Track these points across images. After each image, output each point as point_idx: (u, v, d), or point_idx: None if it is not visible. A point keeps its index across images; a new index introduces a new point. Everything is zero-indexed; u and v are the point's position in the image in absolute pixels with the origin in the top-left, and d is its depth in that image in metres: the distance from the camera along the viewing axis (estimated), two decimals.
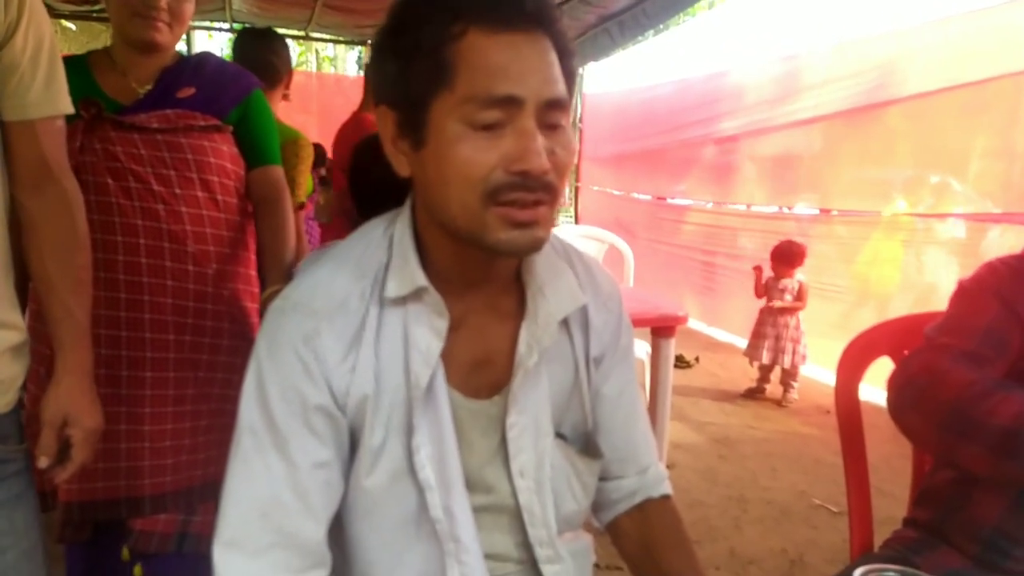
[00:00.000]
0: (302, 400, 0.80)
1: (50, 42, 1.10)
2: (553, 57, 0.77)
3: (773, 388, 4.50)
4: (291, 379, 0.80)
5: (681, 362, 5.02)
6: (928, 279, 4.33)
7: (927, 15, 4.18)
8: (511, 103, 0.74)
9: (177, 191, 1.51)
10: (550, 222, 0.79)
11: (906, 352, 1.36)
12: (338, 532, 0.88)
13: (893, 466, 2.76)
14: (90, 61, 1.54)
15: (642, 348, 3.55)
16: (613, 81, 7.25)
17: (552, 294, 0.89)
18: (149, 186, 1.48)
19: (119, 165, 1.46)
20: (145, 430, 1.51)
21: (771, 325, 4.40)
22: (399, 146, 0.81)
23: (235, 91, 1.62)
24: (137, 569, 1.59)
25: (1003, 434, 0.94)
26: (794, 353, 4.33)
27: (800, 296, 4.37)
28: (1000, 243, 3.78)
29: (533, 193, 0.75)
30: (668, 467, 3.17)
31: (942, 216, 4.33)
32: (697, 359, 5.25)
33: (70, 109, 1.15)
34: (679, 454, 3.50)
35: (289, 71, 2.57)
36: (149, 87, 1.54)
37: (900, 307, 4.31)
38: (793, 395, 4.38)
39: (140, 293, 1.49)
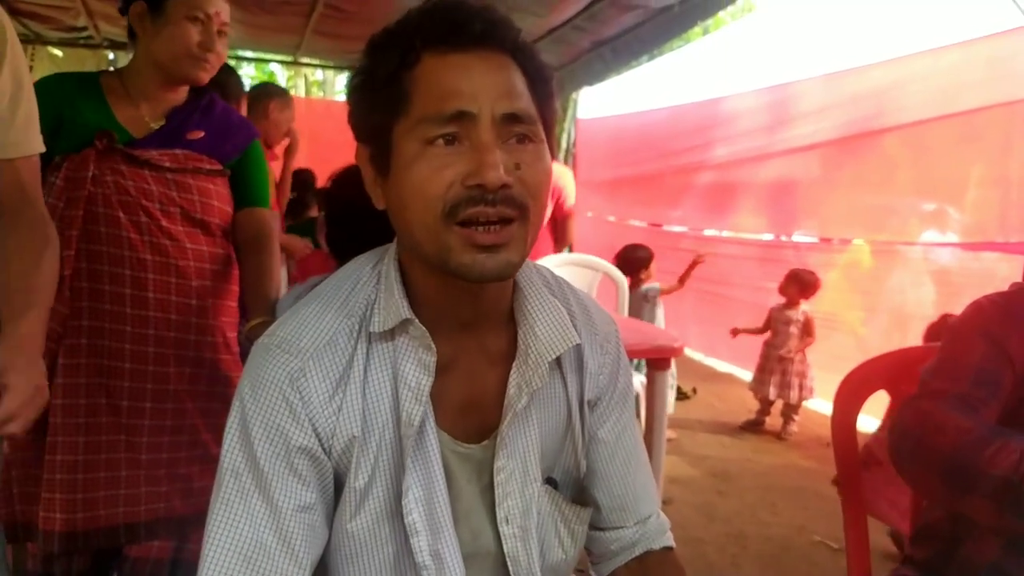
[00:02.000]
0: (286, 441, 0.78)
1: (28, 82, 1.14)
2: (512, 74, 0.77)
3: (772, 420, 4.41)
4: (275, 420, 0.78)
5: (679, 393, 4.92)
6: (927, 311, 4.27)
7: (921, 44, 4.18)
8: (463, 118, 0.73)
9: (181, 228, 1.58)
10: (522, 244, 0.76)
11: (902, 387, 1.36)
12: None
13: None
14: (103, 85, 1.57)
15: (637, 379, 3.48)
16: (607, 106, 7.25)
17: (544, 333, 0.85)
18: (158, 222, 1.55)
19: (130, 199, 1.52)
20: (143, 458, 1.56)
21: (777, 360, 4.31)
22: (376, 181, 0.82)
23: (239, 141, 1.70)
24: None
25: (1004, 484, 0.93)
26: (801, 388, 4.24)
27: (808, 330, 4.27)
28: (997, 270, 3.73)
29: (494, 207, 0.73)
30: (664, 502, 3.07)
31: (940, 245, 4.28)
32: (695, 390, 5.16)
33: (42, 148, 1.23)
34: (676, 489, 3.41)
35: (242, 94, 2.84)
36: (161, 123, 1.59)
37: (900, 336, 4.23)
38: (793, 428, 4.29)
39: (146, 327, 1.55)
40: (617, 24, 4.60)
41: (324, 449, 0.80)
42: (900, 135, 4.39)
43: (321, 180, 4.84)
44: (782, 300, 4.42)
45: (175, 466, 1.59)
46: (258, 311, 1.62)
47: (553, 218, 4.18)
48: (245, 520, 0.77)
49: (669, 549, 1.01)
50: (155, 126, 1.57)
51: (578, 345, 0.89)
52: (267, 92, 3.32)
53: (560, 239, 4.21)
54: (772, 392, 4.29)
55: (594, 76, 5.46)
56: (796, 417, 4.29)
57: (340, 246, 1.50)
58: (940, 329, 3.04)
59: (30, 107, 1.16)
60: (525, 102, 0.76)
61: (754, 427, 4.40)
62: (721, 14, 6.96)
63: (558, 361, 0.90)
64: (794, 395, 4.23)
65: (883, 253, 4.67)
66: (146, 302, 1.54)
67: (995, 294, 1.16)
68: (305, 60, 6.91)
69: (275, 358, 0.79)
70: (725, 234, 6.21)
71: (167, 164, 1.55)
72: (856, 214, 4.87)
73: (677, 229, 6.98)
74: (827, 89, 4.91)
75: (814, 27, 5.13)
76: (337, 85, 12.81)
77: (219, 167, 1.64)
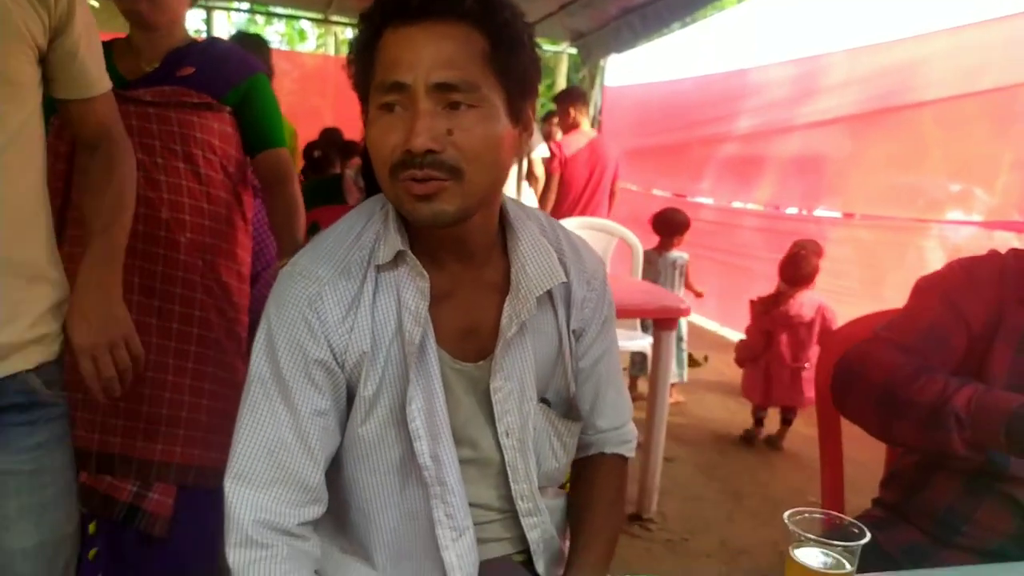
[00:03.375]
0: (305, 355, 0.90)
1: (93, 23, 1.21)
2: (453, 43, 0.84)
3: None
4: (296, 336, 0.90)
5: (690, 360, 5.00)
6: None
7: (946, 21, 4.14)
8: (400, 88, 0.83)
9: (158, 160, 1.57)
10: (455, 201, 0.85)
11: None
12: (336, 476, 0.98)
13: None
14: (113, 46, 1.61)
15: (646, 342, 3.57)
16: (637, 74, 7.21)
17: (533, 270, 0.96)
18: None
19: None
20: None
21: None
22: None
23: (234, 73, 1.67)
24: (92, 526, 1.62)
25: (930, 410, 1.01)
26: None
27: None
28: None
29: (422, 170, 0.83)
30: (667, 460, 3.19)
31: (964, 223, 4.28)
32: (706, 358, 5.22)
33: (108, 86, 1.28)
34: (679, 448, 3.51)
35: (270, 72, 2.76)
36: (156, 65, 1.60)
37: None
38: None
39: None
40: None
41: (338, 363, 0.92)
42: (924, 111, 4.37)
43: (350, 136, 4.93)
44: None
45: (135, 402, 1.56)
46: (286, 251, 1.68)
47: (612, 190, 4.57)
48: (269, 420, 0.90)
49: (618, 456, 1.15)
50: (149, 69, 1.60)
51: (566, 282, 1.01)
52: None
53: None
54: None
55: (623, 43, 5.46)
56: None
57: (376, 189, 1.58)
58: None
59: (99, 47, 1.24)
60: (463, 70, 0.83)
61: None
62: None
63: (550, 295, 1.01)
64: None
65: (901, 229, 4.68)
66: None
67: (967, 258, 1.21)
68: (335, 18, 6.96)
69: (296, 283, 0.92)
70: (749, 206, 6.22)
71: (148, 99, 1.56)
72: (878, 190, 4.86)
73: (701, 200, 6.99)
74: (853, 63, 4.87)
75: (843, 1, 5.08)
76: None
77: (208, 100, 1.61)
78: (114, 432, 1.58)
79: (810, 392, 3.38)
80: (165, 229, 1.59)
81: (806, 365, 3.49)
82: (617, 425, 1.14)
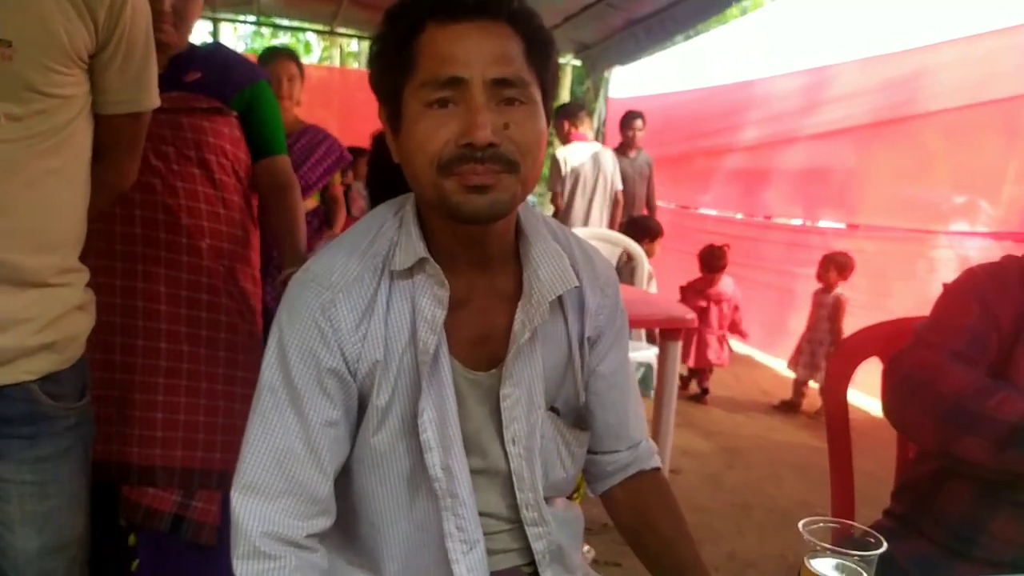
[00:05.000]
0: (317, 363, 0.89)
1: (144, 43, 1.20)
2: (505, 41, 0.85)
3: (812, 401, 4.42)
4: (308, 343, 0.89)
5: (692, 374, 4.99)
6: None
7: (954, 31, 4.15)
8: (457, 83, 0.82)
9: (174, 167, 1.57)
10: (512, 191, 0.86)
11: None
12: (347, 486, 0.96)
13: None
14: None
15: (651, 352, 3.55)
16: (640, 86, 7.23)
17: (546, 275, 0.95)
18: (147, 161, 1.52)
19: None
20: (136, 398, 1.55)
21: (807, 340, 4.38)
22: (391, 136, 0.92)
23: (239, 77, 1.68)
24: (131, 538, 1.62)
25: (1010, 428, 1.01)
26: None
27: (835, 313, 4.29)
28: None
29: (483, 164, 0.82)
30: (673, 472, 3.17)
31: (971, 235, 4.27)
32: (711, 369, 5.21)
33: (153, 104, 1.27)
34: (686, 460, 3.49)
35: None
36: (161, 72, 1.58)
37: None
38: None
39: (134, 263, 1.54)
40: (652, 3, 4.64)
41: (350, 371, 0.91)
42: (932, 122, 4.37)
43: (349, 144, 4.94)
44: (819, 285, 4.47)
45: (173, 411, 1.57)
46: (290, 261, 1.66)
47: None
48: (279, 429, 0.89)
49: (657, 469, 1.13)
50: None
51: (579, 288, 1.00)
52: None
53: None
54: (803, 373, 4.34)
55: (627, 55, 5.49)
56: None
57: (382, 198, 1.56)
58: None
59: (143, 64, 1.21)
60: (516, 67, 0.84)
61: (788, 408, 4.43)
62: None
63: (560, 302, 1.00)
64: (822, 377, 4.21)
65: (906, 240, 4.67)
66: (133, 238, 1.53)
67: (987, 263, 1.22)
68: (341, 30, 6.99)
69: (309, 290, 0.90)
70: (754, 219, 6.21)
71: (159, 105, 1.56)
72: (884, 201, 4.85)
73: (705, 212, 6.98)
74: (860, 74, 4.88)
75: (848, 12, 5.09)
76: None
77: (218, 104, 1.62)
78: (153, 444, 1.57)
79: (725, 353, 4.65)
80: (187, 235, 1.58)
81: (727, 332, 4.65)
82: (644, 436, 1.13)
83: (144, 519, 1.59)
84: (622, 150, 5.27)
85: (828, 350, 4.26)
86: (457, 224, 0.88)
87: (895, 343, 1.43)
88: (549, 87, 0.90)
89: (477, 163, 0.82)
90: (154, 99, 1.26)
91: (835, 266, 4.37)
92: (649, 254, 4.36)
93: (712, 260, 4.69)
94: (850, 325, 4.70)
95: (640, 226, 4.51)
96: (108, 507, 1.64)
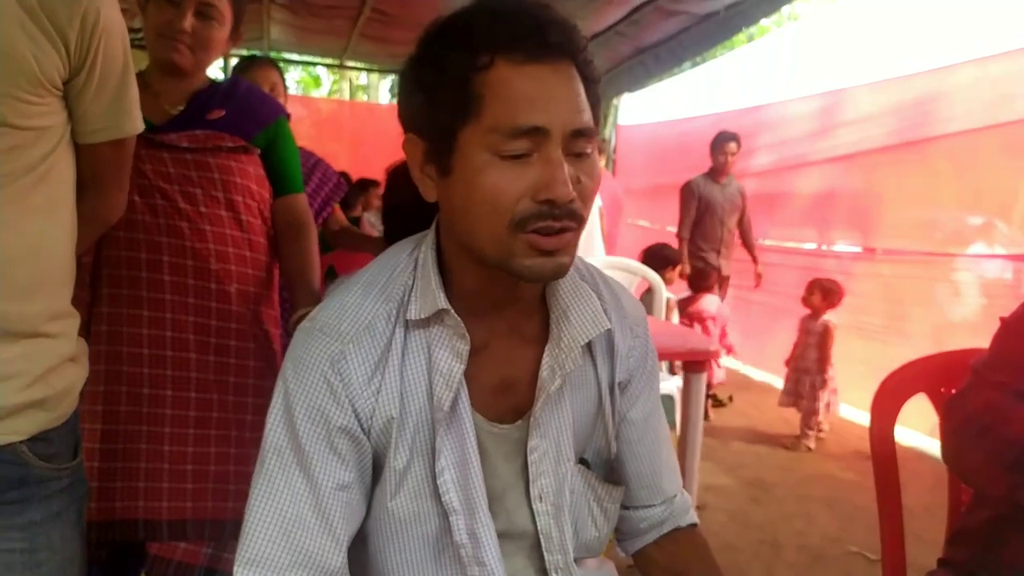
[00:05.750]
0: (327, 421, 0.81)
1: (122, 66, 1.11)
2: (579, 86, 0.78)
3: (794, 429, 4.28)
4: (317, 400, 0.81)
5: (714, 400, 4.90)
6: (973, 320, 4.18)
7: (966, 54, 4.10)
8: (537, 133, 0.75)
9: (202, 209, 1.52)
10: (574, 248, 0.80)
11: (943, 389, 1.36)
12: (363, 554, 0.89)
13: (936, 515, 2.61)
14: None
15: (673, 383, 3.47)
16: (649, 113, 7.23)
17: (576, 318, 0.88)
18: (175, 204, 1.49)
19: (146, 182, 1.48)
20: (165, 450, 1.49)
21: (793, 368, 4.25)
22: (427, 171, 0.83)
23: (262, 115, 1.64)
24: None
25: None
26: (814, 400, 4.08)
27: (824, 342, 4.11)
28: None
29: (559, 221, 0.76)
30: (698, 508, 3.04)
31: (987, 257, 4.19)
32: (731, 398, 5.11)
33: (136, 129, 1.19)
34: (710, 495, 3.38)
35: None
36: (181, 108, 1.55)
37: (942, 348, 4.12)
38: (808, 443, 4.12)
39: (162, 311, 1.49)
40: (660, 30, 4.62)
41: (363, 429, 0.83)
42: (946, 144, 4.31)
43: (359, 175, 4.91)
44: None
45: (203, 462, 1.52)
46: (303, 301, 1.59)
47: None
48: (286, 496, 0.81)
49: (694, 526, 1.04)
50: (174, 112, 1.54)
51: (608, 329, 0.91)
52: None
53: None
54: (784, 400, 4.21)
55: (635, 82, 5.49)
56: (811, 432, 4.12)
57: (398, 237, 1.47)
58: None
59: (121, 88, 1.12)
60: (588, 115, 0.78)
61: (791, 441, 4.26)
62: (764, 22, 6.91)
63: (589, 345, 0.92)
64: (805, 405, 4.08)
65: (924, 264, 4.59)
66: (162, 285, 1.49)
67: None
68: (350, 63, 7.03)
69: (317, 341, 0.83)
70: (767, 243, 6.14)
71: (185, 144, 1.50)
72: (899, 224, 4.79)
73: None
74: (871, 98, 4.84)
75: (858, 36, 5.07)
76: (381, 89, 13.00)
77: (243, 143, 1.58)
78: (183, 497, 1.50)
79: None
80: (216, 281, 1.53)
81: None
82: (679, 489, 1.04)
83: (175, 575, 1.52)
84: (712, 176, 4.97)
85: (815, 379, 4.10)
86: (500, 274, 0.81)
87: (943, 377, 1.39)
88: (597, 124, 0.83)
89: (554, 220, 0.76)
90: (137, 124, 1.18)
91: (820, 290, 4.21)
92: (668, 282, 4.32)
93: (697, 280, 4.76)
94: (868, 350, 4.62)
95: (660, 255, 4.41)
96: (125, 566, 1.59)
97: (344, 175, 4.98)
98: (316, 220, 2.49)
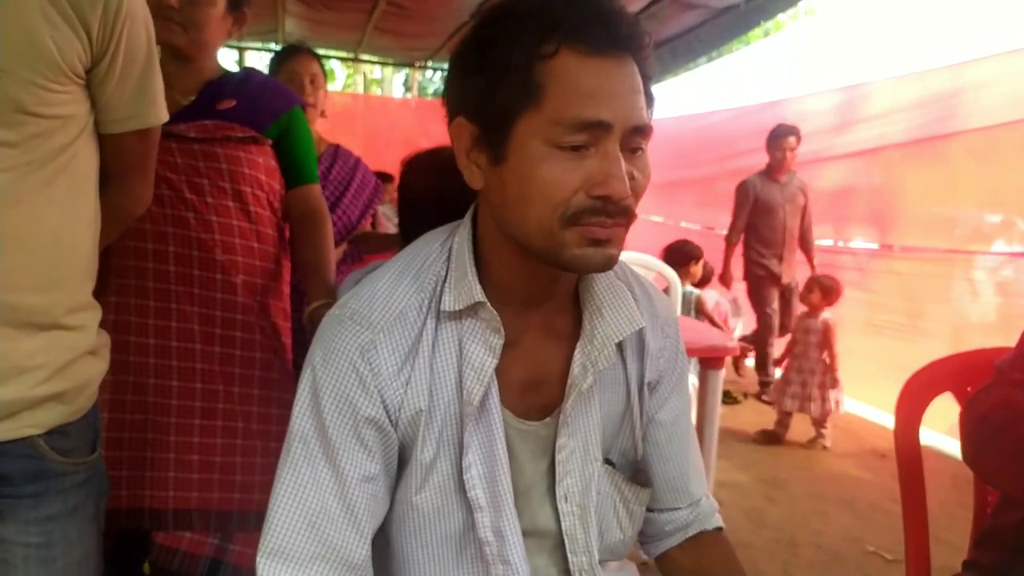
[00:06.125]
0: (354, 412, 0.80)
1: (146, 54, 1.09)
2: (639, 82, 0.77)
3: (798, 433, 4.17)
4: (345, 390, 0.80)
5: (728, 398, 4.86)
6: (991, 319, 4.13)
7: (987, 49, 4.05)
8: (599, 128, 0.73)
9: (209, 200, 1.51)
10: (623, 242, 0.79)
11: (969, 388, 1.33)
12: (386, 549, 0.88)
13: (954, 514, 2.58)
14: None
15: (691, 380, 3.45)
16: (664, 108, 7.19)
17: (611, 315, 0.86)
18: (181, 194, 1.49)
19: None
20: (171, 440, 1.50)
21: (795, 370, 4.08)
22: (474, 158, 0.81)
23: (275, 106, 1.62)
24: None
25: None
26: (823, 400, 3.97)
27: (826, 340, 3.98)
28: None
29: (612, 218, 0.75)
30: None
31: (1008, 255, 4.14)
32: (745, 395, 5.08)
33: (160, 119, 1.16)
34: (724, 493, 3.36)
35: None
36: (192, 98, 1.54)
37: (960, 347, 4.08)
38: (824, 442, 4.05)
39: (168, 301, 1.49)
40: (677, 24, 4.59)
41: (391, 421, 0.82)
42: (966, 141, 4.26)
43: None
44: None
45: (209, 453, 1.52)
46: (317, 293, 1.58)
47: None
48: (311, 485, 0.80)
49: (719, 529, 1.03)
50: (185, 102, 1.53)
51: (640, 328, 0.90)
52: None
53: None
54: (789, 404, 4.05)
55: (652, 77, 5.44)
56: (825, 431, 4.06)
57: (413, 230, 1.46)
58: None
59: (146, 76, 1.10)
60: (647, 112, 0.77)
61: (769, 438, 4.15)
62: (781, 17, 6.86)
63: (619, 344, 0.90)
64: (815, 408, 3.98)
65: (941, 261, 4.54)
66: (167, 275, 1.49)
67: None
68: (365, 57, 7.03)
69: (347, 329, 0.81)
70: None
71: (193, 135, 1.49)
72: (917, 221, 4.74)
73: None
74: (890, 93, 4.79)
75: (875, 30, 5.02)
76: (395, 83, 12.98)
77: (253, 133, 1.56)
78: (189, 487, 1.51)
79: None
80: (221, 272, 1.52)
81: None
82: (706, 492, 1.03)
83: (181, 565, 1.53)
84: (770, 173, 4.65)
85: (822, 379, 3.99)
86: (542, 266, 0.79)
87: (968, 377, 1.36)
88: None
89: (607, 216, 0.74)
90: (162, 114, 1.16)
91: (820, 288, 4.09)
92: (692, 277, 4.28)
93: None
94: (885, 347, 4.58)
95: (681, 251, 4.30)
96: (130, 555, 1.60)
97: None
98: (359, 225, 2.43)
